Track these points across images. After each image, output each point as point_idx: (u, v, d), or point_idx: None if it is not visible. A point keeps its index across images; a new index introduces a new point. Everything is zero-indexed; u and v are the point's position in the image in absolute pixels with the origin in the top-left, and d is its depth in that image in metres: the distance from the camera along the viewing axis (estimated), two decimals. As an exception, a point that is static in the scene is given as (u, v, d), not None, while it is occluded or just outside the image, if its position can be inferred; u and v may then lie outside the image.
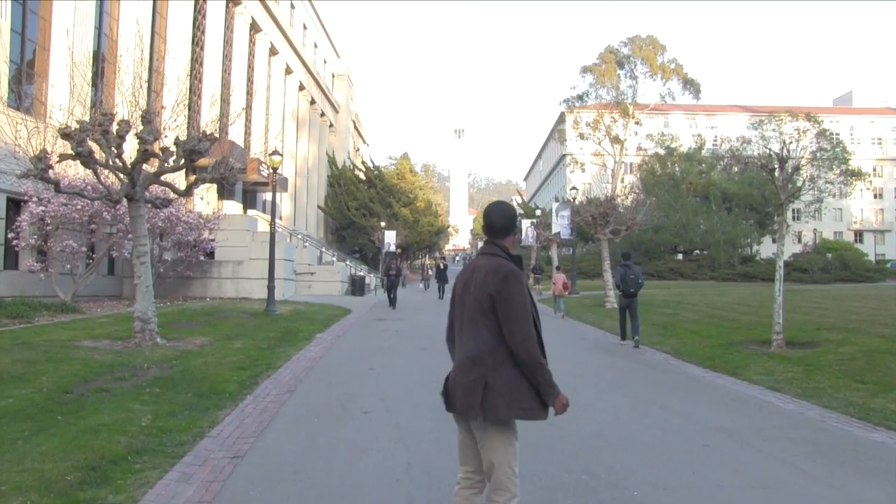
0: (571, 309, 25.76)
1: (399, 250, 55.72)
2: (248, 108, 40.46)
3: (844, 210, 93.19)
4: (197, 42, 35.32)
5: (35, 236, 21.10)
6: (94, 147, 13.63)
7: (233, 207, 39.62)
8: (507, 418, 4.00)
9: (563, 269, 30.20)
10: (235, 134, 35.92)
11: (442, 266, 36.61)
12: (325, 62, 64.24)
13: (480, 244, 4.48)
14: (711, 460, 6.79)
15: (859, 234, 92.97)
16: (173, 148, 14.35)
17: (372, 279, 43.74)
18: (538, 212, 57.81)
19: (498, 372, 3.93)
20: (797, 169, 18.07)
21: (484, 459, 4.04)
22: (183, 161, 14.29)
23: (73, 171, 20.50)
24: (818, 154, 63.98)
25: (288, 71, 50.37)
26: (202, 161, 15.25)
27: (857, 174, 73.48)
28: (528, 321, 3.96)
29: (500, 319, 3.93)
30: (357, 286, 37.38)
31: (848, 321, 17.50)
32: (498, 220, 4.18)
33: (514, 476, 3.99)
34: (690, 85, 69.33)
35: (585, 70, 70.97)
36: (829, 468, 6.55)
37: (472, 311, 4.02)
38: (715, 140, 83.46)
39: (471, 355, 4.00)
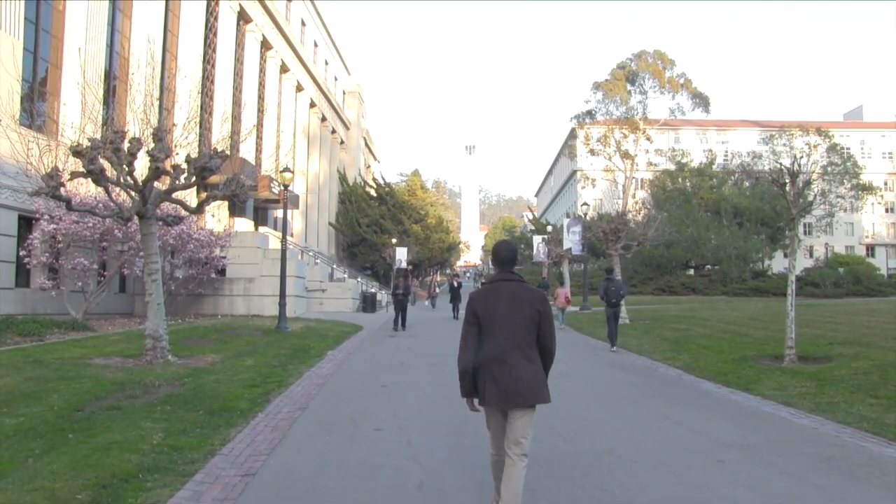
0: (584, 324, 25.88)
1: (410, 267, 55.65)
2: (259, 125, 40.65)
3: (856, 224, 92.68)
4: (208, 60, 35.53)
5: (46, 254, 21.18)
6: (106, 165, 13.69)
7: (244, 224, 39.72)
8: None
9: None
10: (246, 151, 36.11)
11: (455, 284, 34.25)
12: (335, 79, 64.54)
13: (492, 269, 5.91)
14: (725, 476, 6.73)
15: (871, 249, 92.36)
16: (184, 165, 14.39)
17: (383, 296, 43.74)
18: (549, 228, 57.60)
19: (541, 369, 5.31)
20: (808, 183, 18.01)
21: (521, 430, 5.16)
22: (194, 178, 14.33)
23: (85, 189, 20.60)
24: (829, 168, 63.91)
25: (299, 88, 50.60)
26: (213, 178, 15.32)
27: (869, 188, 73.23)
28: None
29: (540, 327, 5.25)
30: (368, 303, 37.38)
31: (861, 335, 17.39)
32: (508, 255, 5.49)
33: None
34: (700, 98, 69.27)
35: (597, 87, 71.06)
36: (844, 484, 6.48)
37: (526, 323, 5.20)
38: (726, 155, 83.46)
39: (528, 357, 5.21)
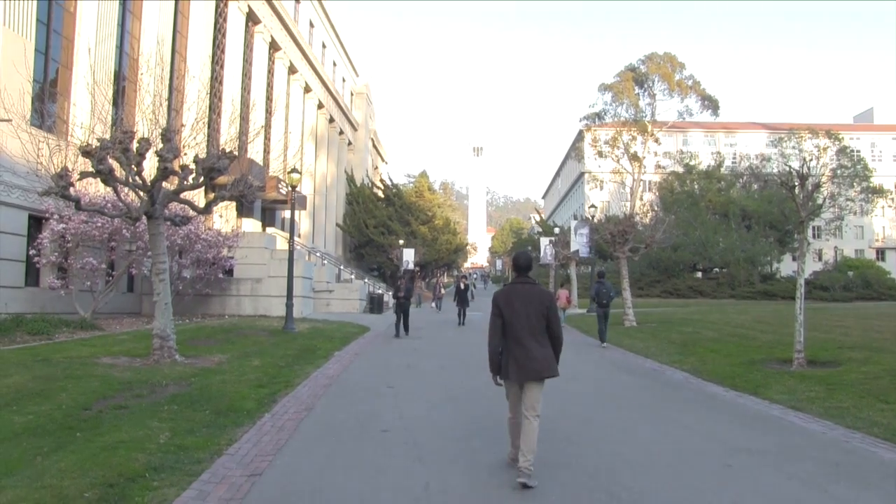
0: (590, 326, 25.81)
1: (417, 269, 55.51)
2: (267, 126, 40.67)
3: (866, 227, 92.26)
4: (217, 61, 35.60)
5: (56, 253, 21.25)
6: (115, 165, 13.73)
7: (251, 225, 39.77)
8: None
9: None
10: (254, 152, 36.19)
11: (462, 286, 30.94)
12: (343, 80, 64.59)
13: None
14: (733, 481, 6.70)
15: (881, 252, 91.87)
16: (193, 166, 14.43)
17: (390, 297, 43.69)
18: (557, 230, 57.52)
19: (550, 351, 6.80)
20: (817, 186, 17.92)
21: (532, 395, 6.68)
22: (202, 179, 14.36)
23: (94, 189, 20.66)
24: (839, 171, 63.66)
25: (307, 89, 50.64)
26: (221, 179, 15.35)
27: (879, 191, 72.88)
28: None
29: (548, 319, 6.80)
30: (375, 304, 37.32)
31: (871, 340, 17.30)
32: (524, 263, 7.24)
33: None
34: (709, 101, 69.22)
35: (604, 88, 71.04)
36: (854, 490, 6.44)
37: (539, 317, 6.76)
38: (734, 158, 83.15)
39: (540, 342, 6.73)
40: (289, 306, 22.81)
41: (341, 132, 62.10)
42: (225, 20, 36.67)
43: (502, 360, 6.84)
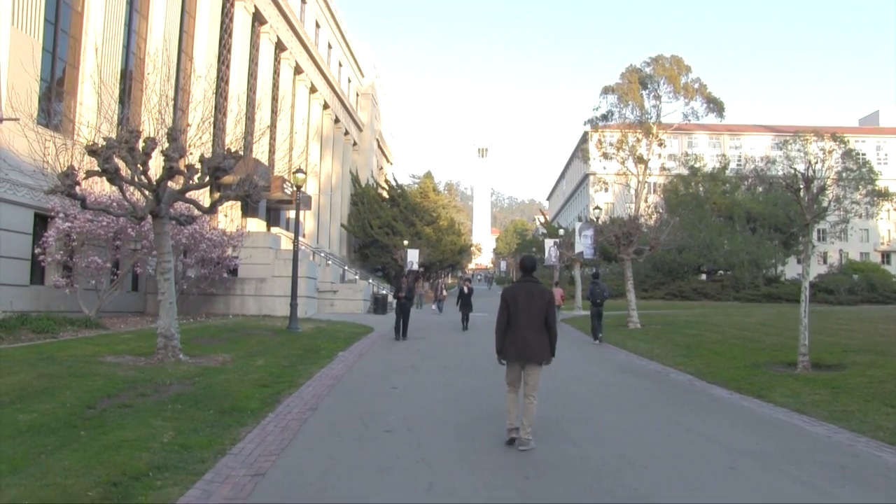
0: (589, 327, 25.82)
1: (421, 269, 55.43)
2: (273, 126, 40.56)
3: (871, 230, 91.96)
4: (223, 60, 35.62)
5: (61, 252, 21.30)
6: (121, 164, 13.75)
7: (256, 225, 39.80)
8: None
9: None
10: (260, 152, 36.12)
11: (466, 290, 29.19)
12: (349, 81, 64.60)
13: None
14: (737, 483, 6.69)
15: (886, 255, 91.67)
16: (198, 165, 14.43)
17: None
18: (561, 231, 57.47)
19: (546, 340, 8.07)
20: (823, 189, 17.88)
21: (533, 378, 8.08)
22: (208, 178, 14.37)
23: (99, 188, 20.71)
24: (844, 174, 63.33)
25: (312, 90, 50.66)
26: (227, 179, 15.36)
27: (884, 194, 72.53)
28: None
29: (546, 313, 8.08)
30: (379, 304, 37.30)
31: (876, 343, 17.26)
32: (529, 265, 8.55)
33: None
34: (714, 104, 69.08)
35: (608, 90, 70.98)
36: (859, 494, 6.42)
37: (538, 311, 8.04)
38: (739, 160, 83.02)
39: (538, 332, 8.01)
40: (293, 306, 22.81)
41: (346, 132, 62.12)
42: (231, 20, 36.73)
43: (505, 344, 8.11)
